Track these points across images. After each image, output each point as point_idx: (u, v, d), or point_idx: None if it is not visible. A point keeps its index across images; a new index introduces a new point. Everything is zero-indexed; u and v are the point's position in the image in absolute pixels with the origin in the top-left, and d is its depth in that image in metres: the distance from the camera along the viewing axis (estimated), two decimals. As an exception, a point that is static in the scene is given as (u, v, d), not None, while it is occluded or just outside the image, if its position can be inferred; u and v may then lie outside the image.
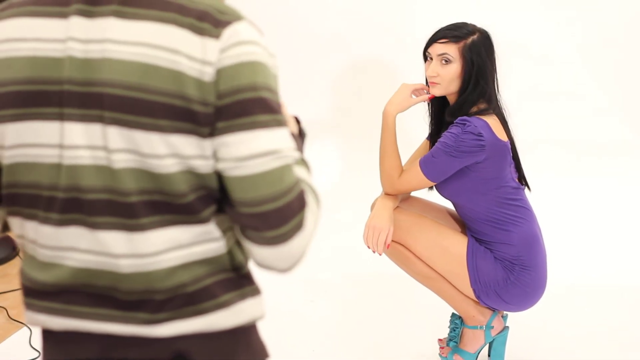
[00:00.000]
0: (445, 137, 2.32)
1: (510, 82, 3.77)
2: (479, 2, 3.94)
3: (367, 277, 3.51)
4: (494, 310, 2.54)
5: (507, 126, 2.40)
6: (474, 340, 2.54)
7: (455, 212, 2.61)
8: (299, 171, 1.20)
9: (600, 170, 3.97)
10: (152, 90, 1.10)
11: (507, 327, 2.60)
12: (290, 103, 4.07)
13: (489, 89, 2.38)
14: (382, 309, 3.17)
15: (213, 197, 1.18)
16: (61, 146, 1.15)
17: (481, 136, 2.28)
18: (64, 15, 1.15)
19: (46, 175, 1.16)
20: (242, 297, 1.21)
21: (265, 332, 2.98)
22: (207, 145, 1.13)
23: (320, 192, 1.26)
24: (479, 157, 2.31)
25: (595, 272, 3.54)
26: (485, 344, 2.56)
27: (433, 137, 2.56)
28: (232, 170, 1.13)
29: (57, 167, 1.16)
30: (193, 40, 1.11)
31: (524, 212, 2.44)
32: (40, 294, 1.20)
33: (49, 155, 1.16)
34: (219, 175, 1.16)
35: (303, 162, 1.26)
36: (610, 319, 3.07)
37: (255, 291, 1.25)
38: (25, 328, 2.94)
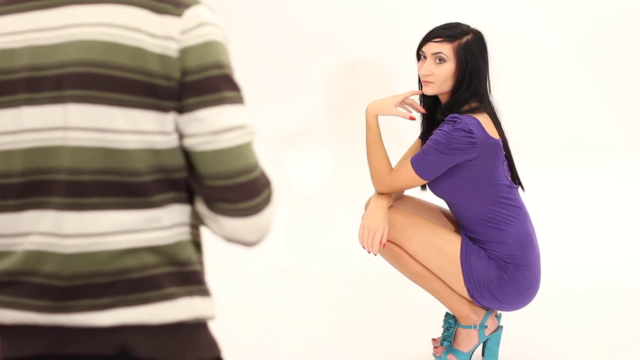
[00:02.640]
0: (437, 134, 2.32)
1: (501, 81, 3.77)
2: (472, 0, 3.94)
3: (360, 277, 3.51)
4: (487, 310, 2.54)
5: (499, 125, 2.40)
6: (467, 340, 2.54)
7: (449, 211, 2.61)
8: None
9: (591, 169, 3.97)
10: (113, 66, 1.14)
11: (501, 326, 2.60)
12: (283, 102, 4.08)
13: (481, 89, 2.38)
14: (375, 309, 3.17)
15: (170, 182, 1.19)
16: (18, 131, 1.18)
17: (472, 133, 2.28)
18: (24, 10, 1.20)
19: (1, 163, 1.19)
20: (190, 293, 1.20)
21: (259, 332, 2.99)
22: (169, 120, 1.17)
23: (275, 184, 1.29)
24: (471, 155, 2.31)
25: (588, 272, 3.55)
26: (479, 344, 2.56)
27: (424, 136, 2.56)
28: (206, 144, 1.17)
29: (10, 153, 1.18)
30: (153, 19, 1.17)
31: (518, 212, 2.44)
32: None
33: (4, 143, 1.19)
34: (186, 153, 1.19)
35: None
36: (603, 318, 3.07)
37: (204, 292, 1.24)
38: None
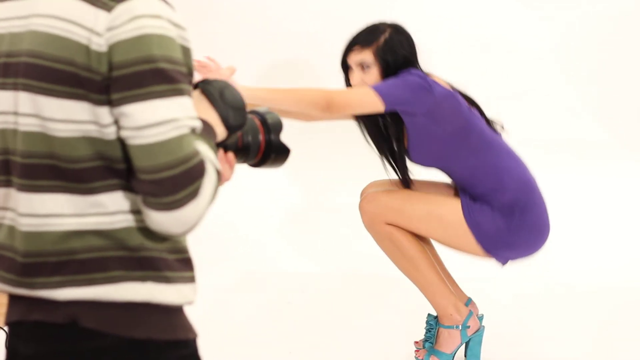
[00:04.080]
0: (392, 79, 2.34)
1: (482, 80, 3.79)
2: (458, 2, 3.95)
3: (343, 278, 3.52)
4: (470, 310, 2.55)
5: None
6: (449, 340, 2.55)
7: (438, 181, 2.63)
8: (200, 145, 1.24)
9: (572, 169, 3.99)
10: (51, 58, 1.21)
11: (483, 326, 2.61)
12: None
13: None
14: (358, 311, 3.17)
15: (112, 170, 1.24)
16: None
17: (426, 77, 2.32)
18: None
19: None
20: (142, 279, 1.25)
21: (243, 334, 2.97)
22: (103, 112, 1.21)
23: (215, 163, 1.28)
24: (429, 99, 2.31)
25: (572, 272, 3.57)
26: (462, 344, 2.57)
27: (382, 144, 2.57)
28: (132, 139, 1.19)
29: None
30: (88, 11, 1.21)
31: (510, 156, 2.47)
32: None
33: None
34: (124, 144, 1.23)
35: (206, 137, 1.29)
36: (587, 320, 3.08)
37: (162, 278, 1.26)
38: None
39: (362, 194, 2.60)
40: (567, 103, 3.99)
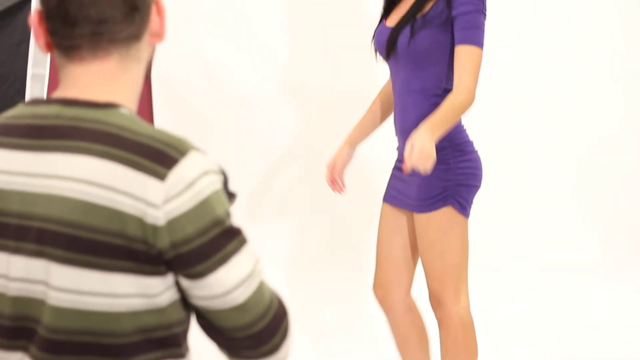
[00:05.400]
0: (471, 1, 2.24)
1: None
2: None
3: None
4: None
5: None
6: None
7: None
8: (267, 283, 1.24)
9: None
10: (92, 229, 1.11)
11: None
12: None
13: None
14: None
15: (154, 342, 1.17)
16: (8, 277, 1.17)
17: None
18: (17, 148, 1.17)
19: None
20: None
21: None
22: (154, 283, 1.14)
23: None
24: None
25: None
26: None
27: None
28: (221, 304, 1.16)
29: (1, 296, 1.18)
30: (132, 177, 1.11)
31: None
32: None
33: None
34: (195, 307, 1.19)
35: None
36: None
37: None
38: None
39: (383, 298, 2.52)
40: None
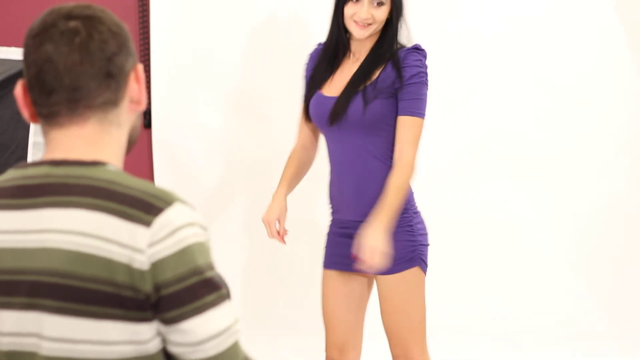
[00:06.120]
0: (414, 67, 2.34)
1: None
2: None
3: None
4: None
5: None
6: None
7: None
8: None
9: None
10: (84, 278, 1.14)
11: None
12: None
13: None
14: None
15: None
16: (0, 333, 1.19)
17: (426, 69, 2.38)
18: (9, 208, 1.20)
19: None
20: None
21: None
22: (142, 330, 1.16)
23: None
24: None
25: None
26: None
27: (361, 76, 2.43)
28: (191, 354, 1.17)
29: None
30: (120, 226, 1.15)
31: None
32: None
33: None
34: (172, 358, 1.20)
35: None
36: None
37: None
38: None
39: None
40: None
